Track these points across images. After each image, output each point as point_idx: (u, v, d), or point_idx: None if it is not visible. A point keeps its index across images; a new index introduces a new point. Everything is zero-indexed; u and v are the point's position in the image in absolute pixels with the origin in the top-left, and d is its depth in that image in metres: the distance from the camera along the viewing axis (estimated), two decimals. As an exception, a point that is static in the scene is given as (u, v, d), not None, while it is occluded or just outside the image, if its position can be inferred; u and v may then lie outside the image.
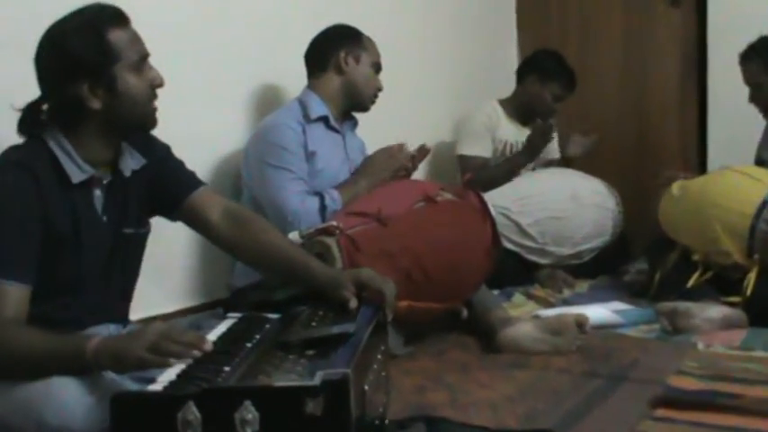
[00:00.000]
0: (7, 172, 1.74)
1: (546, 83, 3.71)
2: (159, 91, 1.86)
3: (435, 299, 2.41)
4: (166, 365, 1.53)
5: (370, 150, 2.97)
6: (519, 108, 3.79)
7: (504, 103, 3.81)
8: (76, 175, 1.79)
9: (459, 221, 2.53)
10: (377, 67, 2.90)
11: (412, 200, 2.51)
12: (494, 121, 3.73)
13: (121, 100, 1.78)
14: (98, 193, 1.85)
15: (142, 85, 1.81)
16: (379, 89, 2.90)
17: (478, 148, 3.69)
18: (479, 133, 3.70)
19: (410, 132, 3.08)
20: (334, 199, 2.65)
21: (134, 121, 1.84)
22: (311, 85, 2.86)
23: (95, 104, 1.77)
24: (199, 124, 2.67)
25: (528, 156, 3.56)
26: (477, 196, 2.70)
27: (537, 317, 2.71)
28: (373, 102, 2.91)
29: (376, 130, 3.07)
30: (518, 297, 3.17)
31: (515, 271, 3.29)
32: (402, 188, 2.68)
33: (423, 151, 2.89)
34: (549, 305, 3.05)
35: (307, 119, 2.75)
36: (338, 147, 2.86)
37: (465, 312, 2.55)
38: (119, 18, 1.80)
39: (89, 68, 1.75)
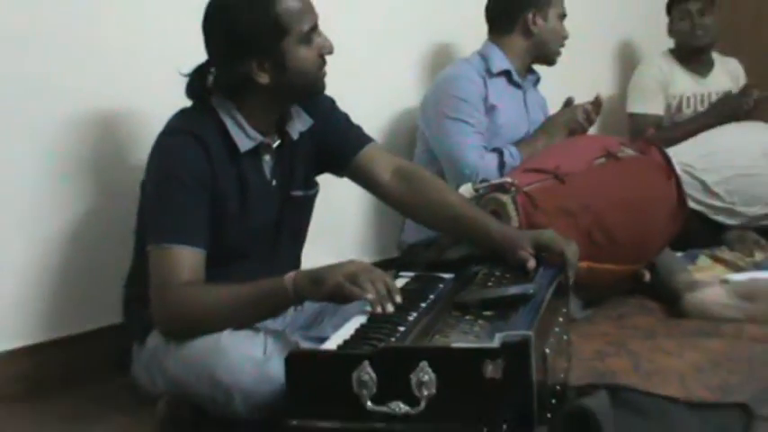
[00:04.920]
0: (178, 139, 1.75)
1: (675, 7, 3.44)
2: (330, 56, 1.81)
3: (617, 261, 2.33)
4: (361, 297, 1.56)
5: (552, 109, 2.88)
6: (688, 54, 3.53)
7: (676, 53, 3.60)
8: (245, 144, 1.78)
9: (643, 179, 2.44)
10: (563, 17, 2.76)
11: (592, 156, 2.42)
12: (666, 74, 3.55)
13: (291, 74, 1.75)
14: (267, 158, 1.85)
15: (312, 56, 1.76)
16: (566, 37, 2.76)
17: (650, 104, 3.51)
18: (651, 89, 3.52)
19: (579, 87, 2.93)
20: (514, 155, 2.57)
21: (303, 90, 1.82)
22: (494, 39, 2.74)
23: (263, 79, 1.74)
24: (370, 83, 2.65)
25: (715, 119, 3.34)
26: (660, 152, 2.58)
27: (726, 281, 2.58)
28: (560, 54, 2.77)
29: (555, 84, 2.96)
30: (703, 260, 2.99)
31: (700, 232, 3.09)
32: (581, 144, 2.61)
33: (597, 103, 2.72)
34: (739, 269, 2.86)
35: (488, 73, 2.68)
36: (519, 103, 2.76)
37: (647, 275, 2.50)
38: None
39: (258, 46, 1.72)
